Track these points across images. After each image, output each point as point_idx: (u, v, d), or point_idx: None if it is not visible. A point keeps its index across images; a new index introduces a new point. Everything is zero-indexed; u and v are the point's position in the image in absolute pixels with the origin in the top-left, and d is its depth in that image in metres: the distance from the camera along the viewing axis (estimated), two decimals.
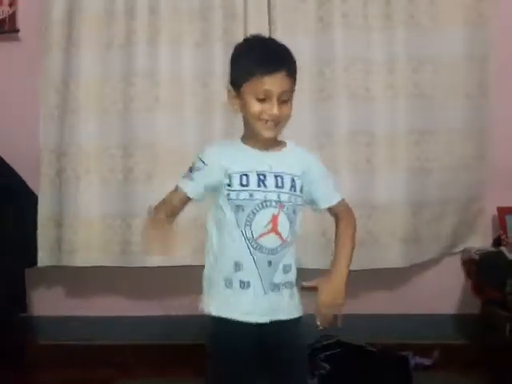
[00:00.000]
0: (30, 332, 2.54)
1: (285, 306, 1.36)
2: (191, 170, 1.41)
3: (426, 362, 2.26)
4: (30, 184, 2.44)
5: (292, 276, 1.38)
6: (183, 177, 1.43)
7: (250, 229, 1.32)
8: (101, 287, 2.57)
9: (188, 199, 1.43)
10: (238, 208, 1.33)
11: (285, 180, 1.36)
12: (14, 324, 2.41)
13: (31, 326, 2.55)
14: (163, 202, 1.45)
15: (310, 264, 2.04)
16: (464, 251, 2.44)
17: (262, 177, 1.34)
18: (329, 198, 1.43)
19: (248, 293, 1.33)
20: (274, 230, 1.33)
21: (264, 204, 1.33)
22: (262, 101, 1.31)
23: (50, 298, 2.58)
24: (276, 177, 1.35)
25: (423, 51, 2.33)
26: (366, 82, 2.33)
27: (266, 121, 1.32)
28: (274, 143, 1.40)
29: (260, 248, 1.33)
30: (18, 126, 2.47)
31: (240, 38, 2.32)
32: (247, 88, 1.33)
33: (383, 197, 2.34)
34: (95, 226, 2.38)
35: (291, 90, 1.33)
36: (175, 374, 2.28)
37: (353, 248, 1.40)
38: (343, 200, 1.45)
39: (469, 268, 2.39)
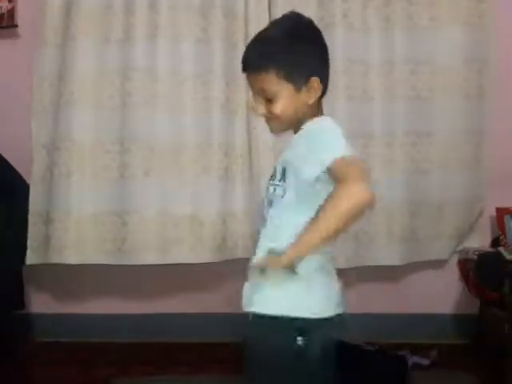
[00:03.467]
0: (27, 330, 2.53)
1: None
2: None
3: (424, 361, 2.26)
4: (26, 179, 2.42)
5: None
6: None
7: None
8: (98, 285, 2.56)
9: None
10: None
11: (278, 169, 1.23)
12: (11, 321, 2.40)
13: (28, 323, 2.54)
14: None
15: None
16: (462, 251, 2.45)
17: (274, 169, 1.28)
18: (315, 165, 1.13)
19: None
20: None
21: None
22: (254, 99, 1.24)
23: (48, 295, 2.57)
24: (276, 167, 1.25)
25: (422, 52, 2.34)
26: (364, 83, 2.33)
27: (263, 117, 1.26)
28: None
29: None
30: (18, 124, 2.46)
31: (240, 36, 2.35)
32: None
33: (381, 197, 2.34)
34: (88, 223, 2.34)
35: (275, 86, 1.18)
36: (172, 372, 2.27)
37: (326, 224, 1.09)
38: (336, 161, 1.10)
39: (467, 268, 2.39)
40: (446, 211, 2.40)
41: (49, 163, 2.37)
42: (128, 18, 2.33)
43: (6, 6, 2.49)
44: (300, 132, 1.23)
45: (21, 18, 2.48)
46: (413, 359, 2.24)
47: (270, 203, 1.23)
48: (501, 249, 2.23)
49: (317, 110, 1.25)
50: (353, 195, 1.08)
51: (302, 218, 1.13)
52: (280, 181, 1.21)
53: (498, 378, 2.06)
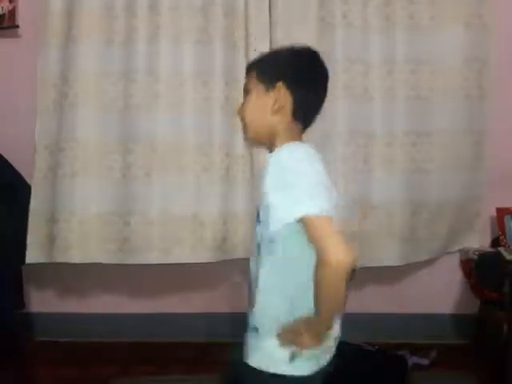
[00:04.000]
0: (28, 329, 2.53)
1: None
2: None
3: (424, 361, 2.27)
4: (27, 179, 2.42)
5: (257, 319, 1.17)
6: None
7: None
8: (99, 284, 2.56)
9: None
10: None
11: (260, 208, 1.17)
12: (10, 321, 2.40)
13: (28, 323, 2.54)
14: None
15: None
16: (462, 251, 2.45)
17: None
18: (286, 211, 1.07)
19: None
20: None
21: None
22: None
23: (48, 294, 2.58)
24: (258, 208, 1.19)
25: (422, 52, 2.33)
26: (364, 83, 2.33)
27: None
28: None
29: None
30: (18, 122, 2.46)
31: (240, 36, 2.35)
32: None
33: (381, 197, 2.34)
34: (91, 222, 2.35)
35: (251, 86, 1.21)
36: (172, 372, 2.28)
37: (326, 298, 1.07)
38: (311, 219, 1.04)
39: (467, 268, 2.39)
40: (446, 211, 2.40)
41: (51, 164, 2.38)
42: (129, 19, 2.33)
43: (7, 6, 2.49)
44: (272, 158, 1.14)
45: (22, 18, 2.48)
46: (412, 359, 2.25)
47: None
48: (501, 249, 2.23)
49: (292, 133, 1.21)
50: (338, 272, 1.03)
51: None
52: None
53: (498, 378, 2.06)
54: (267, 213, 1.11)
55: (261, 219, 1.16)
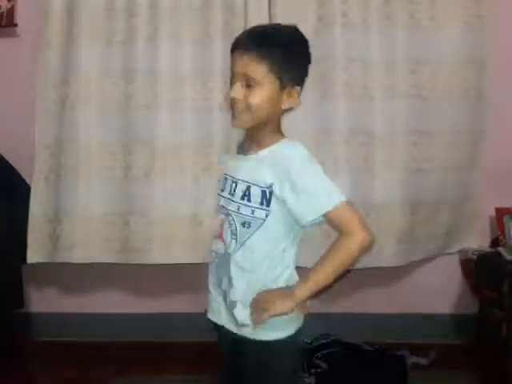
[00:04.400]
0: (27, 329, 2.53)
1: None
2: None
3: (423, 361, 2.27)
4: (27, 180, 2.42)
5: (235, 294, 1.26)
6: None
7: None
8: (98, 284, 2.56)
9: None
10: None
11: (238, 187, 1.24)
12: (10, 320, 2.40)
13: (28, 322, 2.54)
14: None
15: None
16: (462, 251, 2.45)
17: (224, 180, 1.30)
18: (310, 210, 1.18)
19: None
20: (220, 236, 1.28)
21: (220, 209, 1.29)
22: (232, 84, 1.21)
23: (47, 294, 2.57)
24: (232, 183, 1.26)
25: (422, 52, 2.33)
26: (364, 82, 2.32)
27: (231, 107, 1.21)
28: (261, 143, 1.25)
29: (214, 253, 1.30)
30: (17, 122, 2.46)
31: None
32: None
33: (381, 196, 2.34)
34: (92, 222, 2.36)
35: (262, 77, 1.18)
36: (172, 372, 2.28)
37: (331, 274, 1.18)
38: (335, 210, 1.18)
39: (467, 268, 2.39)
40: (445, 211, 2.40)
41: (52, 164, 2.38)
42: (129, 19, 2.32)
43: (5, 5, 2.48)
44: (273, 152, 1.22)
45: (20, 17, 2.47)
46: (412, 359, 2.25)
47: (244, 225, 1.22)
48: (500, 249, 2.23)
49: (279, 127, 1.28)
50: (361, 247, 1.19)
51: (284, 250, 1.25)
52: (251, 202, 1.21)
53: (497, 377, 2.07)
54: (280, 203, 1.19)
55: (234, 194, 1.24)
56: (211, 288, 1.33)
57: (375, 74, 2.33)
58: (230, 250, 1.25)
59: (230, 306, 1.26)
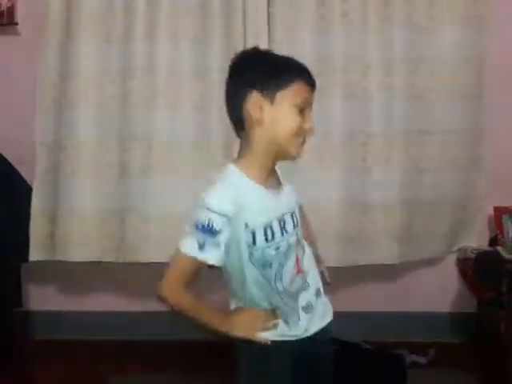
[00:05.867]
0: (26, 327, 2.53)
1: None
2: (210, 231, 1.12)
3: (422, 360, 2.27)
4: (27, 178, 2.42)
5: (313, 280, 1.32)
6: (198, 241, 1.14)
7: (281, 282, 1.18)
8: (97, 283, 2.56)
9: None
10: (265, 265, 1.16)
11: (293, 217, 1.22)
12: (9, 319, 2.40)
13: (27, 321, 2.54)
14: (179, 277, 1.24)
15: None
16: (460, 250, 2.45)
17: (282, 223, 1.18)
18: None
19: None
20: (299, 271, 1.22)
21: (289, 252, 1.19)
22: (300, 112, 1.16)
23: (46, 293, 2.58)
24: (292, 215, 1.22)
25: (421, 52, 2.33)
26: (363, 82, 2.33)
27: (303, 137, 1.17)
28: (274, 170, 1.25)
29: (291, 294, 1.22)
30: (17, 120, 2.46)
31: (239, 34, 2.34)
32: (285, 96, 1.15)
33: (379, 195, 2.34)
34: (90, 220, 2.37)
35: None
36: (171, 371, 2.28)
37: None
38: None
39: (465, 267, 2.40)
40: (444, 210, 2.40)
41: (52, 162, 2.39)
42: (128, 17, 2.33)
43: (5, 3, 2.49)
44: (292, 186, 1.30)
45: (20, 15, 2.47)
46: (410, 358, 2.25)
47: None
48: (499, 248, 2.24)
49: None
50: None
51: None
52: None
53: (496, 376, 2.07)
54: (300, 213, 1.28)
55: (298, 222, 1.25)
56: (300, 313, 1.24)
57: (374, 74, 2.33)
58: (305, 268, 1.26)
59: (317, 293, 1.28)
